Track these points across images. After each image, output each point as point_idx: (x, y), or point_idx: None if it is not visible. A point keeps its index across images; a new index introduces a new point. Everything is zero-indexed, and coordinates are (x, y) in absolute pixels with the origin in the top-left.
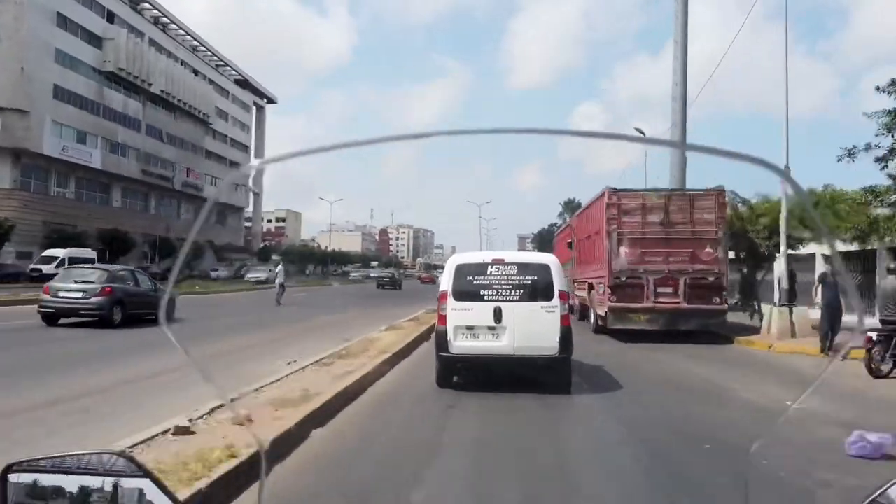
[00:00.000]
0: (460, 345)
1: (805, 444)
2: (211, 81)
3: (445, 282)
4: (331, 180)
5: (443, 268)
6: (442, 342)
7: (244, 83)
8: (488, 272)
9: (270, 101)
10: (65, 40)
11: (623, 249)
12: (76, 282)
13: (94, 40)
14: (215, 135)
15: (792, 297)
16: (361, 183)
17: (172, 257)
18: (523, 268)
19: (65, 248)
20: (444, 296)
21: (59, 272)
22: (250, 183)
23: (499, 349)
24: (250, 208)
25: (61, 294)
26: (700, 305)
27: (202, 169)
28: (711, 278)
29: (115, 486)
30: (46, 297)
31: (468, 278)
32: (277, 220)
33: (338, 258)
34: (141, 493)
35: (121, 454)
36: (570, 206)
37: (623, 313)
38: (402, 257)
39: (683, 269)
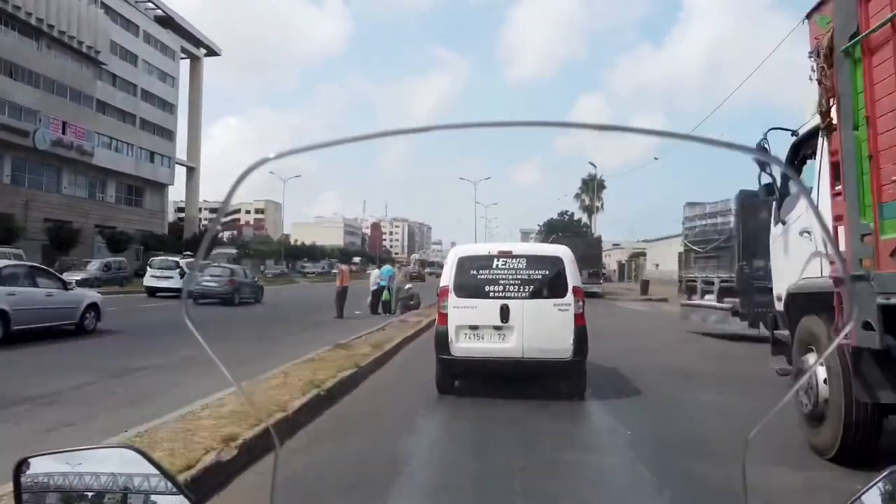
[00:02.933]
0: (463, 346)
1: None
2: (106, 7)
3: (446, 276)
4: (325, 174)
5: (439, 265)
6: (442, 343)
7: (167, 21)
8: (494, 266)
9: (211, 52)
10: None
11: None
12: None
13: None
14: (115, 81)
15: None
16: (356, 177)
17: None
18: (533, 261)
19: None
20: (444, 292)
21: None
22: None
23: (506, 351)
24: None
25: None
26: None
27: (92, 126)
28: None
29: (127, 480)
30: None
31: (472, 272)
32: (256, 211)
33: (309, 253)
34: (152, 486)
35: (132, 448)
36: (589, 186)
37: None
38: (397, 253)
39: None
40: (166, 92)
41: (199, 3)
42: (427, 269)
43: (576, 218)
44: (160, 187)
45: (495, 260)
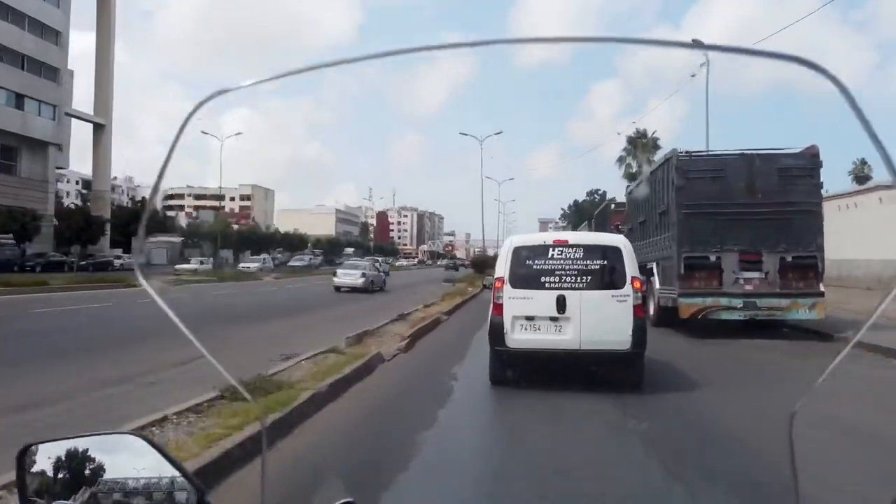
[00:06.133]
0: (518, 338)
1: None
2: None
3: (501, 267)
4: (340, 166)
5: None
6: (498, 335)
7: None
8: (549, 255)
9: None
10: None
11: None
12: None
13: None
14: None
15: None
16: (371, 168)
17: None
18: (590, 251)
19: None
20: (500, 282)
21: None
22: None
23: (563, 343)
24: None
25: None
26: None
27: None
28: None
29: (133, 468)
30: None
31: (527, 262)
32: (242, 198)
33: (285, 242)
34: (159, 474)
35: (137, 434)
36: (637, 146)
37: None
38: (405, 244)
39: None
40: (44, 11)
41: None
42: (441, 262)
43: (609, 196)
44: (41, 148)
45: (550, 249)
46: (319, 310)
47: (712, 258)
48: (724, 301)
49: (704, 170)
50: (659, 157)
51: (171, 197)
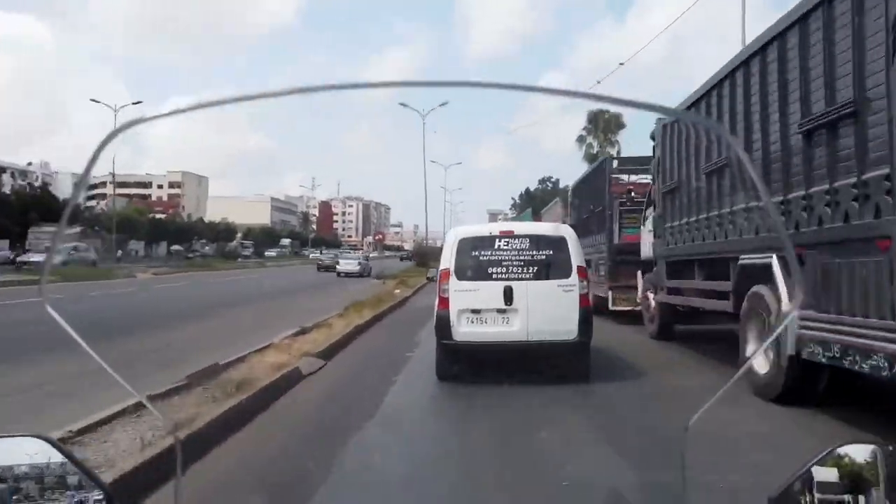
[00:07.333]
0: (466, 331)
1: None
2: None
3: (447, 259)
4: (289, 156)
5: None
6: (444, 328)
7: None
8: (496, 246)
9: None
10: None
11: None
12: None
13: None
14: None
15: None
16: (320, 158)
17: None
18: (536, 241)
19: None
20: (445, 275)
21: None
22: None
23: (510, 335)
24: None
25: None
26: None
27: None
28: None
29: (35, 470)
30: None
31: (473, 254)
32: (171, 185)
33: (210, 232)
34: (60, 474)
35: (39, 436)
36: (598, 125)
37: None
38: (349, 235)
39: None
40: None
41: None
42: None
43: (562, 185)
44: None
45: (497, 240)
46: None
47: None
48: None
49: None
50: (621, 136)
51: (94, 186)
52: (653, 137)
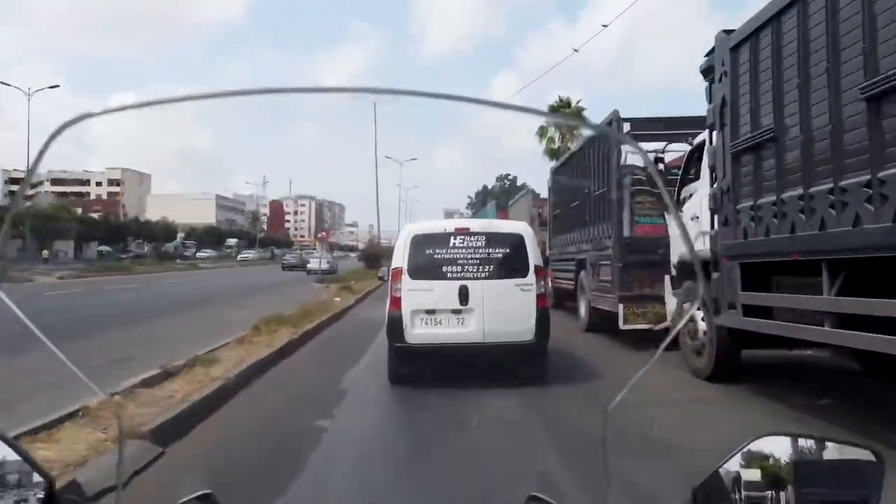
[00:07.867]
0: (419, 332)
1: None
2: None
3: (399, 257)
4: (229, 150)
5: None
6: (396, 330)
7: None
8: (451, 244)
9: None
10: None
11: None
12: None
13: None
14: None
15: None
16: (267, 157)
17: None
18: (492, 238)
19: None
20: (397, 273)
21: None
22: None
23: (466, 336)
24: None
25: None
26: None
27: None
28: None
29: None
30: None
31: (427, 252)
32: (111, 183)
33: (147, 231)
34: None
35: None
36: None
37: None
38: (302, 235)
39: None
40: None
41: None
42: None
43: (519, 183)
44: None
45: (452, 238)
46: None
47: None
48: None
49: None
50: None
51: (15, 181)
52: (707, 72)
